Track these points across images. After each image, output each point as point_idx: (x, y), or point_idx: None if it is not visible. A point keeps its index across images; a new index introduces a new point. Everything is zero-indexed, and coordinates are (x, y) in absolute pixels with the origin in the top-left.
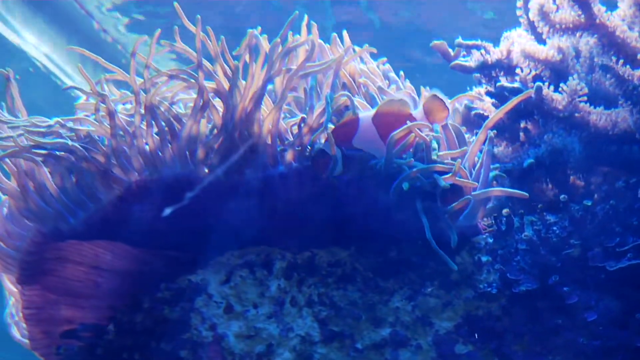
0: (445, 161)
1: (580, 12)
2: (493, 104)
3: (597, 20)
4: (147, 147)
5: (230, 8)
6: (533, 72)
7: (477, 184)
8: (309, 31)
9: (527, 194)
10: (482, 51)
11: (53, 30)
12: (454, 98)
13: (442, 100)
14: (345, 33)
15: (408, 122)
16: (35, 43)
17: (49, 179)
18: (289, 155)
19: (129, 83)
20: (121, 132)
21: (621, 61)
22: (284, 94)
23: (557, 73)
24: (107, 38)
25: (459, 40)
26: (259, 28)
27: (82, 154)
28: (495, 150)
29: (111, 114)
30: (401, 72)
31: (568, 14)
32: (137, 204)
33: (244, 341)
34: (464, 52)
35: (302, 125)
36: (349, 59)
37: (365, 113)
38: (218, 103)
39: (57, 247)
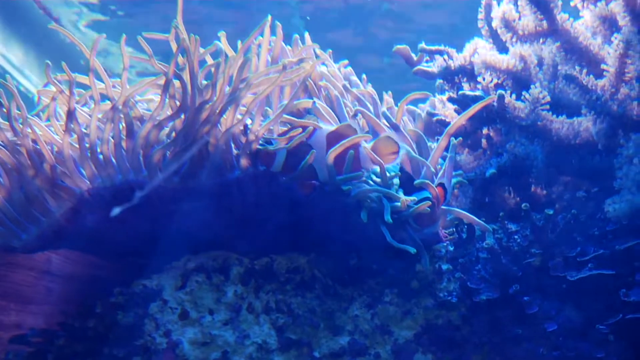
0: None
1: (542, 18)
2: (455, 110)
3: (560, 27)
4: (98, 153)
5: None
6: (495, 81)
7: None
8: (273, 31)
9: (490, 229)
10: (445, 57)
11: (7, 29)
12: (404, 99)
13: (393, 142)
14: (307, 35)
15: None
16: None
17: None
18: (244, 160)
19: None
20: (74, 137)
21: (584, 71)
22: (237, 99)
23: (520, 81)
24: (65, 39)
25: (422, 45)
26: (223, 33)
27: (28, 163)
28: (458, 157)
29: (70, 114)
30: (363, 76)
31: (530, 21)
32: (90, 213)
33: (199, 348)
34: (427, 58)
35: (248, 131)
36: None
37: (326, 127)
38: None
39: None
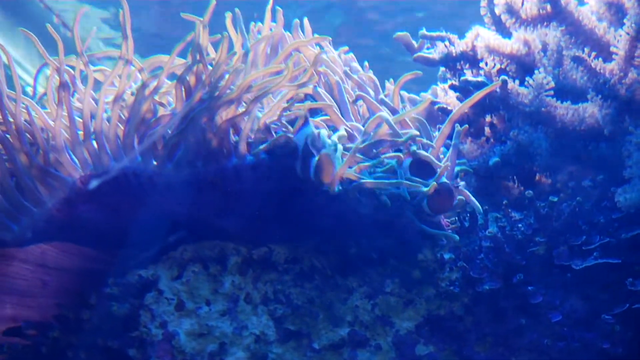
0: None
1: (546, 1)
2: (457, 98)
3: (564, 10)
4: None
5: None
6: (498, 66)
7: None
8: (274, 17)
9: (480, 209)
10: (447, 42)
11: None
12: (397, 83)
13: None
14: (306, 21)
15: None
16: None
17: None
18: (242, 148)
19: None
20: (65, 122)
21: (593, 53)
22: (242, 89)
23: (524, 67)
24: (53, 18)
25: (423, 31)
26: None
27: (20, 147)
28: (461, 146)
29: (64, 85)
30: (365, 63)
31: (534, 4)
32: (82, 203)
33: (196, 340)
34: (428, 44)
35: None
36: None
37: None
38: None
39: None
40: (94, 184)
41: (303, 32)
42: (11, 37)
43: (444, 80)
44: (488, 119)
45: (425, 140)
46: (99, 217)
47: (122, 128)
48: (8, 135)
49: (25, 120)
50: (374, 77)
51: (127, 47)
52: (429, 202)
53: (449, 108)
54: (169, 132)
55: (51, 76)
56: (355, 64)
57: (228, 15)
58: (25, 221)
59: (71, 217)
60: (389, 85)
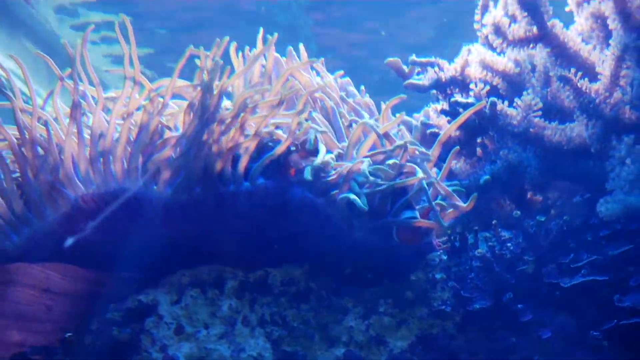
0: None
1: (532, 23)
2: (448, 122)
3: (550, 32)
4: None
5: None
6: (487, 88)
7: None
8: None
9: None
10: (436, 68)
11: (11, 39)
12: (384, 109)
13: None
14: (301, 46)
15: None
16: None
17: None
18: (240, 174)
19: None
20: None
21: (579, 74)
22: (236, 114)
23: (514, 86)
24: (62, 41)
25: (413, 57)
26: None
27: (32, 161)
28: (454, 165)
29: (76, 104)
30: (362, 87)
31: (521, 26)
32: (83, 221)
33: None
34: (419, 69)
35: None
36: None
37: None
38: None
39: (6, 270)
40: (94, 203)
41: (299, 57)
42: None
43: (436, 100)
44: (479, 140)
45: (413, 166)
46: (98, 237)
47: (129, 149)
48: (22, 148)
49: (41, 135)
50: (369, 101)
51: (135, 67)
52: (398, 233)
53: (441, 132)
54: (173, 156)
55: (56, 94)
56: (352, 88)
57: (233, 45)
58: (27, 232)
59: (72, 234)
60: (384, 106)
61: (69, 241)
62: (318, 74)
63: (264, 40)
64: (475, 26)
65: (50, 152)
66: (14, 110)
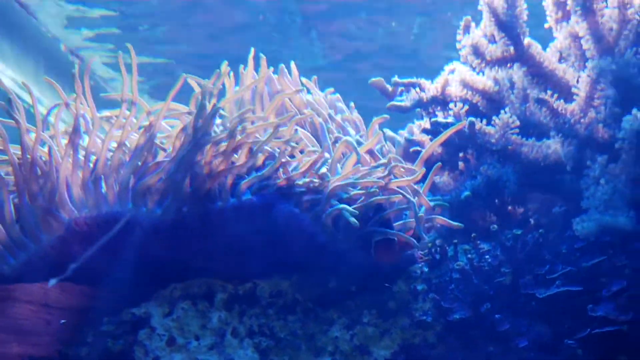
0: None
1: (509, 44)
2: (430, 139)
3: (526, 52)
4: (89, 182)
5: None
6: (466, 107)
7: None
8: (258, 63)
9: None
10: (417, 89)
11: (18, 53)
12: (369, 127)
13: None
14: (293, 65)
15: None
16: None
17: None
18: (226, 191)
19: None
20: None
21: (555, 95)
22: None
23: (493, 103)
24: (75, 60)
25: (395, 78)
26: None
27: (30, 185)
28: (438, 179)
29: (75, 131)
30: (352, 104)
31: (498, 47)
32: (76, 243)
33: None
34: (402, 88)
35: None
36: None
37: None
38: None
39: (6, 288)
40: (87, 226)
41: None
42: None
43: (421, 117)
44: (461, 154)
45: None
46: (93, 257)
47: (121, 172)
48: (22, 169)
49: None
50: (357, 117)
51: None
52: (375, 251)
53: (422, 149)
54: (163, 177)
55: (57, 116)
56: (341, 104)
57: (224, 64)
58: (23, 256)
59: (66, 256)
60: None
61: (70, 269)
62: (309, 91)
63: (256, 59)
64: (457, 46)
65: (49, 177)
66: (21, 133)
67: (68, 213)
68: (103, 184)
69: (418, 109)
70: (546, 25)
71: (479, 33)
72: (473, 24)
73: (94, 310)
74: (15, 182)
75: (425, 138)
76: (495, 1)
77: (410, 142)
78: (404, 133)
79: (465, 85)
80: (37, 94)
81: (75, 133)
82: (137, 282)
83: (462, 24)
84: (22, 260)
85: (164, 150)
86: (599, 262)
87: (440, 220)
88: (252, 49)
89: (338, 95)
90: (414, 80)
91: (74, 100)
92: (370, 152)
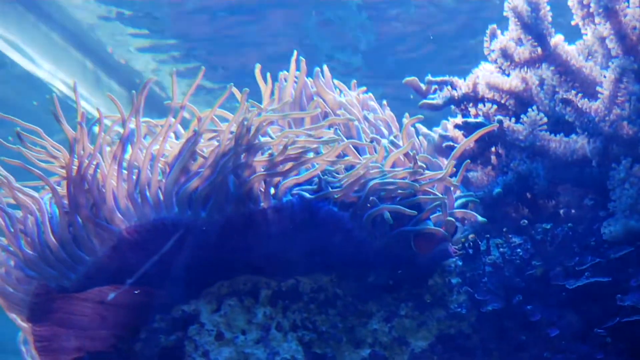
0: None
1: (536, 45)
2: (463, 135)
3: (552, 52)
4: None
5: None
6: (494, 107)
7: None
8: (298, 66)
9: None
10: (449, 87)
11: (66, 54)
12: (404, 128)
13: None
14: (325, 68)
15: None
16: (51, 70)
17: (47, 232)
18: (268, 192)
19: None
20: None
21: (580, 95)
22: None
23: (522, 101)
24: (120, 60)
25: (429, 77)
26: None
27: (82, 203)
28: (471, 175)
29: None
30: (384, 102)
31: (526, 48)
32: (129, 251)
33: None
34: (436, 86)
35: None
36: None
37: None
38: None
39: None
40: (137, 233)
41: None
42: (66, 66)
43: (455, 114)
44: (494, 149)
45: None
46: (143, 262)
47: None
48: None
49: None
50: (389, 117)
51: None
52: (415, 243)
53: (455, 145)
54: (205, 182)
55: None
56: (373, 103)
57: (258, 67)
58: (82, 270)
59: (121, 263)
60: (406, 120)
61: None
62: (341, 92)
63: (297, 62)
64: (485, 51)
65: (97, 191)
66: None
67: (119, 223)
68: (147, 193)
69: (452, 107)
70: (573, 22)
71: (506, 37)
72: (499, 31)
73: (146, 308)
74: (67, 199)
75: (458, 134)
76: (520, 5)
77: (444, 137)
78: (439, 130)
79: (490, 87)
80: (86, 94)
81: (121, 147)
82: (186, 280)
83: (487, 32)
84: (82, 274)
85: (204, 157)
86: (627, 254)
87: (470, 215)
88: (295, 52)
89: (370, 94)
90: (446, 78)
91: (134, 116)
92: (406, 154)
